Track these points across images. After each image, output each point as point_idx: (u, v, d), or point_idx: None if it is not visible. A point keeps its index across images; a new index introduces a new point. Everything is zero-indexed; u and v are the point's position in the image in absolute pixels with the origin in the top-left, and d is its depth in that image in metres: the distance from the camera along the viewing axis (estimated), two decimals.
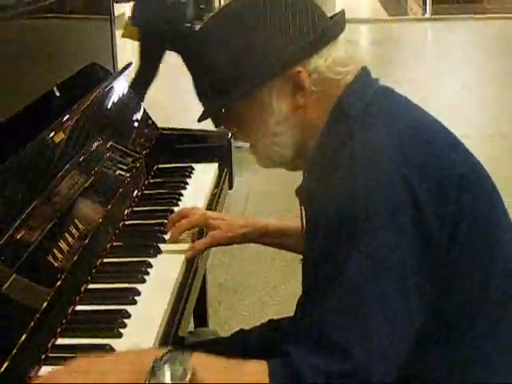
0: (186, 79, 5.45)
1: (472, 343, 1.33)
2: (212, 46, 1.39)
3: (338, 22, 1.40)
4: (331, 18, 1.42)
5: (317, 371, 1.19)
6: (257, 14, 1.34)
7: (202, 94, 5.11)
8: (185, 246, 1.80)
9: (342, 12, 1.44)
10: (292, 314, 1.81)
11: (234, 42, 1.35)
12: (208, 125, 2.43)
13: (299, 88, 1.34)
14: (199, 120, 1.46)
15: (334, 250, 1.26)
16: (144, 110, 2.44)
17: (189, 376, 1.16)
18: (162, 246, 1.81)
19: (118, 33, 3.41)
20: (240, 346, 1.75)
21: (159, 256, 1.77)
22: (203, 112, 1.46)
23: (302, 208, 1.50)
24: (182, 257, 1.76)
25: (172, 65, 5.81)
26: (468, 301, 1.31)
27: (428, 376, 1.34)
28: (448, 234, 1.26)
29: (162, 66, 5.55)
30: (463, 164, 1.32)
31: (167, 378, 1.15)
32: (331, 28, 1.37)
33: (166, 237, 1.85)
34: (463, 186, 1.28)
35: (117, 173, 2.04)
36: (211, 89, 1.42)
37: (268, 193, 4.67)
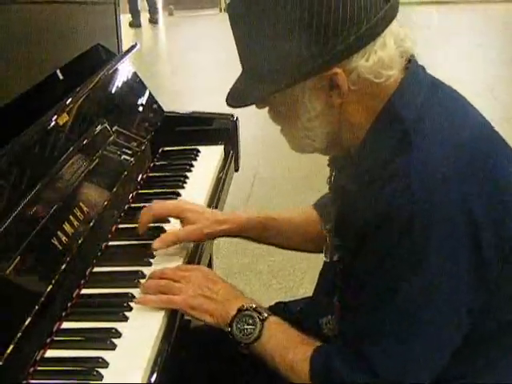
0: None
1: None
2: (248, 39, 1.27)
3: (388, 14, 1.21)
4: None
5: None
6: (292, 7, 1.18)
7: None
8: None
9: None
10: (297, 297, 1.81)
11: (269, 36, 1.22)
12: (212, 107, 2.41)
13: (335, 88, 1.23)
14: (230, 106, 1.33)
15: (387, 268, 1.23)
16: (149, 93, 2.42)
17: (254, 337, 1.37)
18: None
19: (123, 16, 3.39)
20: None
21: None
22: (234, 100, 1.33)
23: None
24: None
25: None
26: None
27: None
28: (503, 254, 1.23)
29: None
30: None
31: (238, 332, 1.39)
32: (377, 24, 1.20)
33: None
34: None
35: (122, 155, 2.03)
36: (246, 76, 1.33)
37: (274, 176, 4.66)
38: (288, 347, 1.35)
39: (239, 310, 1.40)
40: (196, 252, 1.74)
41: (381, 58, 1.21)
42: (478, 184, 1.20)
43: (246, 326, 1.38)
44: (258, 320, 1.38)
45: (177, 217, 1.74)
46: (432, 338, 1.23)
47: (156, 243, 1.64)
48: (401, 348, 1.24)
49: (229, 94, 1.34)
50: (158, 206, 1.75)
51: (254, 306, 1.41)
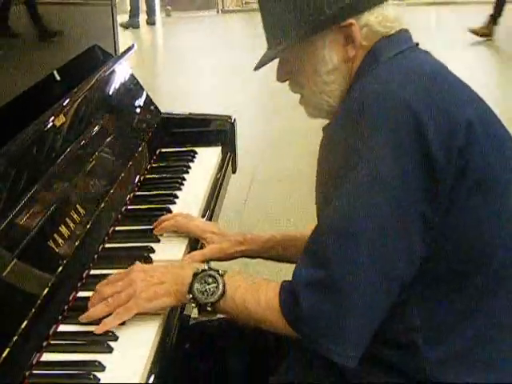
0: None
1: (476, 293, 1.32)
2: (273, 8, 1.43)
3: None
4: None
5: (306, 283, 1.28)
6: None
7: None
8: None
9: None
10: None
11: (291, 3, 1.39)
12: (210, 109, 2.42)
13: (350, 40, 1.40)
14: (256, 68, 1.48)
15: (338, 172, 1.29)
16: (146, 94, 2.41)
17: (219, 293, 1.36)
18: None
19: (120, 17, 3.38)
20: None
21: (162, 241, 1.75)
22: (260, 59, 1.48)
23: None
24: (186, 241, 1.75)
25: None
26: (474, 247, 1.30)
27: (425, 324, 1.32)
28: (454, 172, 1.25)
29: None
30: (474, 113, 1.31)
31: (200, 294, 1.37)
32: None
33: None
34: (472, 133, 1.27)
35: (119, 157, 2.02)
36: (270, 36, 1.47)
37: (272, 177, 4.65)
38: (257, 289, 1.35)
39: (195, 275, 1.39)
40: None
41: (386, 16, 1.41)
42: (425, 97, 1.28)
43: (207, 286, 1.37)
44: (218, 276, 1.38)
45: (198, 237, 1.78)
46: (376, 233, 1.24)
47: (186, 258, 1.69)
48: (345, 243, 1.25)
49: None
50: (184, 223, 1.79)
51: (207, 266, 1.41)
